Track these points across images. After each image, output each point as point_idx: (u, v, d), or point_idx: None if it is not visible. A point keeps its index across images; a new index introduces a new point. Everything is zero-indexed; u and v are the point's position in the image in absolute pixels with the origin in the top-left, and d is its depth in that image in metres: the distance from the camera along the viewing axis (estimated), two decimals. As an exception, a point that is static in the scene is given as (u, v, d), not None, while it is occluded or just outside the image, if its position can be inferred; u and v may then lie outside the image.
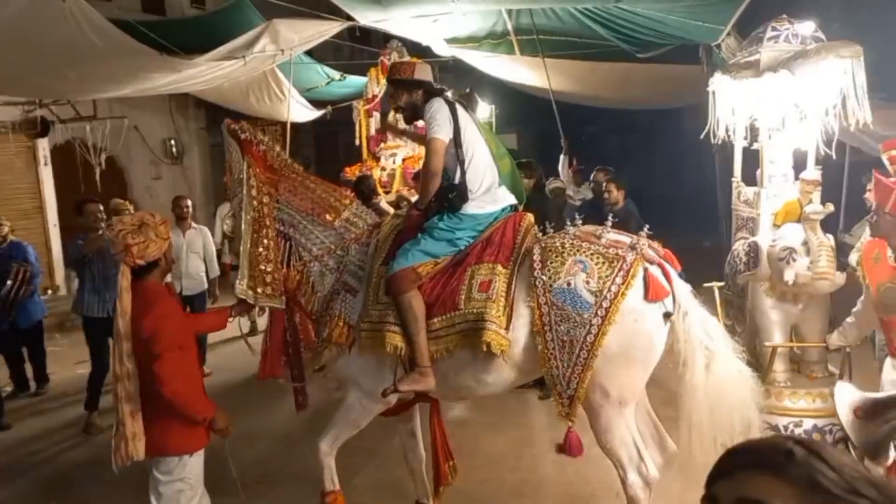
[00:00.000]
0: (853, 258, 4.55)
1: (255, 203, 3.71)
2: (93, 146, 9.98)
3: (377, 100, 8.97)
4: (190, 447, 3.33)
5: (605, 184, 6.44)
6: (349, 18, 8.37)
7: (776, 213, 4.17)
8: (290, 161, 4.03)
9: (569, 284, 3.34)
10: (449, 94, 3.87)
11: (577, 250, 3.42)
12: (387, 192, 8.00)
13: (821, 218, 3.90)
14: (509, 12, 8.84)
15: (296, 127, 10.41)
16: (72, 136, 10.38)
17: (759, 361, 4.24)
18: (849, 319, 4.03)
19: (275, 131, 13.17)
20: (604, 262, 3.35)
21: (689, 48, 8.71)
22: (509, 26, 9.15)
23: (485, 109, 10.56)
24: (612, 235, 3.53)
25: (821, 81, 3.74)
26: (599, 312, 3.27)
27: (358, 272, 3.78)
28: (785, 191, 4.19)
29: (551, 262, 3.41)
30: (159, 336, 3.15)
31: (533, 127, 13.58)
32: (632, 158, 14.14)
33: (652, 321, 3.35)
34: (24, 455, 5.56)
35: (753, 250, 4.20)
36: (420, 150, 9.25)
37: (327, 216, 3.88)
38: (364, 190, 6.55)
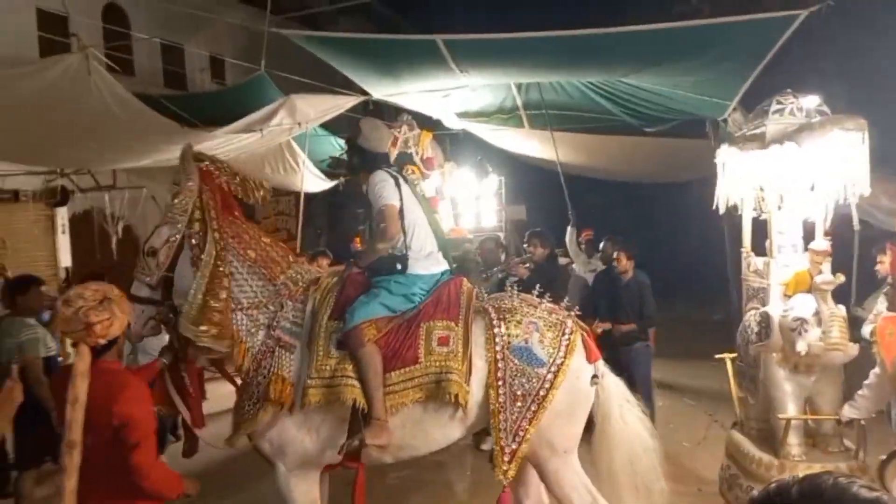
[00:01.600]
0: (866, 330, 4.53)
1: (216, 236, 3.56)
2: (111, 215, 10.16)
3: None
4: None
5: (615, 253, 6.46)
6: (363, 93, 8.64)
7: (786, 283, 4.19)
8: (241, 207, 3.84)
9: (525, 342, 3.59)
10: (391, 169, 3.96)
11: (528, 313, 3.70)
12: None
13: (831, 288, 3.91)
14: (518, 88, 9.08)
15: (309, 197, 10.60)
16: (91, 205, 10.58)
17: (773, 433, 4.18)
18: (861, 392, 4.00)
19: (288, 201, 13.46)
20: (550, 326, 3.67)
21: (696, 122, 8.91)
22: (518, 102, 9.38)
23: (493, 181, 10.74)
24: (547, 304, 3.83)
25: (826, 154, 3.82)
26: (552, 369, 3.55)
27: (293, 329, 3.65)
28: (795, 261, 4.21)
29: (508, 322, 3.65)
30: (135, 423, 2.83)
31: (541, 199, 13.77)
32: (639, 230, 14.25)
33: (588, 380, 3.71)
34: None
35: (765, 321, 4.20)
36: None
37: (272, 269, 3.69)
38: None
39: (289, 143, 9.71)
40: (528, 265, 6.12)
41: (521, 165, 11.89)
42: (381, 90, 8.61)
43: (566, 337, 3.63)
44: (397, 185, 3.78)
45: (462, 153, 11.01)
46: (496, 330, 3.61)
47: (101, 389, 2.78)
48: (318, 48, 7.71)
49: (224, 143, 7.62)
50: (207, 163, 3.68)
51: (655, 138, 9.42)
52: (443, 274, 3.87)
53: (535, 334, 3.61)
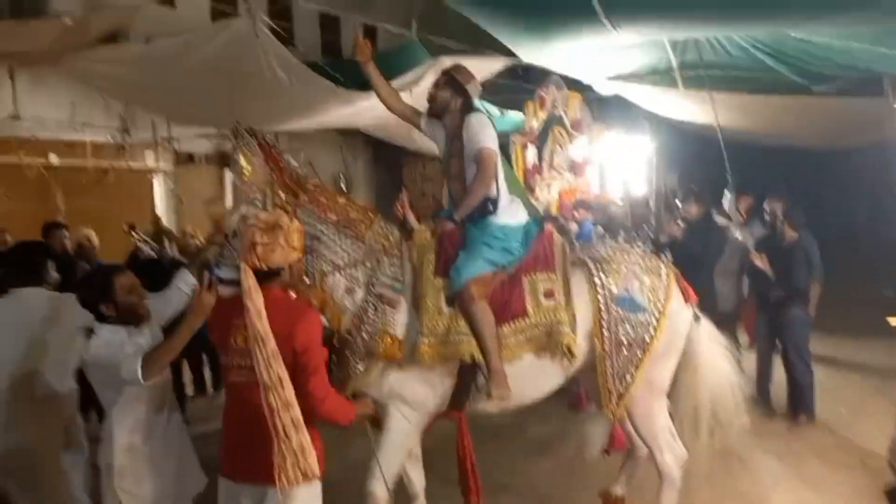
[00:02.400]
0: None
1: (291, 205, 3.47)
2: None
3: (534, 133, 9.08)
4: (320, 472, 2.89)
5: (779, 220, 6.01)
6: (511, 56, 8.58)
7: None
8: (304, 174, 3.67)
9: (627, 291, 3.74)
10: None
11: (626, 261, 3.85)
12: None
13: None
14: (674, 47, 8.65)
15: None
16: (254, 168, 11.27)
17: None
18: None
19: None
20: (648, 272, 3.84)
21: (872, 80, 8.15)
22: (674, 62, 8.91)
23: (645, 147, 10.38)
24: (640, 249, 4.03)
25: None
26: (655, 315, 3.73)
27: (395, 285, 3.62)
28: None
29: (607, 271, 3.79)
30: (315, 349, 2.83)
31: (696, 168, 13.17)
32: (805, 200, 13.29)
33: (685, 321, 3.91)
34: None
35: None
36: (577, 182, 9.29)
37: (357, 228, 3.61)
38: None
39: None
40: (680, 223, 5.88)
41: (675, 132, 11.40)
42: (530, 52, 8.51)
43: (663, 281, 3.81)
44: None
45: (612, 118, 10.70)
46: (597, 280, 3.75)
47: (279, 316, 2.76)
48: (469, 8, 7.72)
49: (377, 105, 7.86)
50: (261, 137, 3.49)
51: (824, 98, 8.71)
52: (529, 223, 3.89)
53: (635, 282, 3.77)
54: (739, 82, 9.07)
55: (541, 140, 9.17)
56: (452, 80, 3.94)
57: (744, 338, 7.05)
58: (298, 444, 2.69)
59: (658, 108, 10.56)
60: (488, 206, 3.72)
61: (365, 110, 7.99)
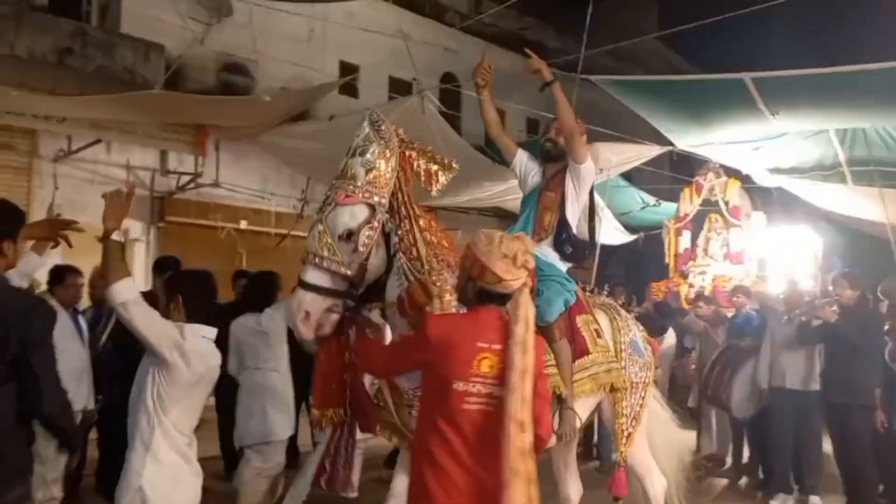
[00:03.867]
0: None
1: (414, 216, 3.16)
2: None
3: (688, 218, 9.04)
4: None
5: None
6: (667, 143, 8.71)
7: None
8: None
9: (632, 333, 4.04)
10: None
11: (620, 310, 4.23)
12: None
13: None
14: (842, 142, 8.38)
15: (609, 250, 10.83)
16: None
17: None
18: None
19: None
20: (635, 322, 4.23)
21: None
22: (841, 157, 8.58)
23: (812, 242, 9.89)
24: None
25: None
26: (648, 358, 4.08)
27: None
28: None
29: (619, 318, 4.07)
30: (542, 373, 2.71)
31: (863, 266, 12.33)
32: None
33: None
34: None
35: None
36: (730, 271, 9.06)
37: (448, 257, 3.17)
38: None
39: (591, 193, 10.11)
40: (834, 308, 5.61)
41: (840, 228, 10.84)
42: (687, 139, 8.59)
43: (642, 331, 4.21)
44: None
45: (775, 211, 10.39)
46: (616, 323, 4.01)
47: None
48: (624, 93, 8.01)
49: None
50: (404, 138, 3.17)
51: None
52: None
53: (635, 328, 4.11)
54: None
55: (695, 226, 9.10)
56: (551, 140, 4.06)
57: None
58: (527, 474, 2.44)
59: (823, 203, 10.14)
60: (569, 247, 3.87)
61: (515, 188, 8.41)
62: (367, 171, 2.93)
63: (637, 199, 10.99)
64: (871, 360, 5.54)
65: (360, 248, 2.90)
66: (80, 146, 8.94)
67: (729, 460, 7.11)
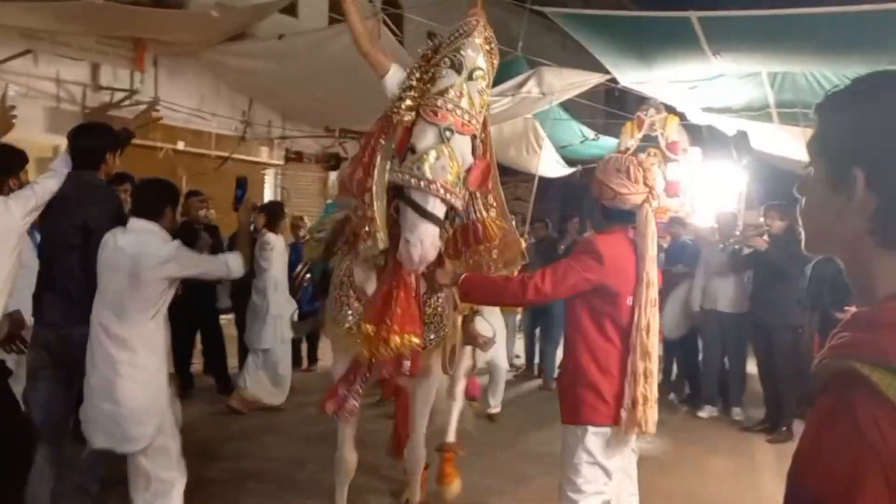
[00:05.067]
0: None
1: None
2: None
3: (629, 153, 9.36)
4: None
5: None
6: (609, 75, 8.91)
7: None
8: None
9: None
10: None
11: None
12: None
13: None
14: (772, 83, 8.78)
15: (545, 182, 11.10)
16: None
17: None
18: None
19: (526, 188, 14.13)
20: None
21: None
22: (770, 99, 9.01)
23: (738, 179, 10.36)
24: None
25: None
26: None
27: None
28: None
29: None
30: None
31: (786, 201, 13.07)
32: None
33: None
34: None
35: None
36: (670, 202, 9.49)
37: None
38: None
39: (533, 125, 10.30)
40: (765, 237, 6.07)
41: (765, 168, 11.43)
42: (630, 75, 8.81)
43: None
44: None
45: (703, 150, 10.83)
46: None
47: None
48: (573, 26, 8.12)
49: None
50: None
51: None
52: None
53: None
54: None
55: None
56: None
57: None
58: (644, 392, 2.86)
59: (750, 141, 10.65)
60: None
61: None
62: (479, 100, 2.77)
63: (577, 132, 11.23)
64: (796, 284, 6.04)
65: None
66: (6, 57, 8.45)
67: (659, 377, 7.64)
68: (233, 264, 3.54)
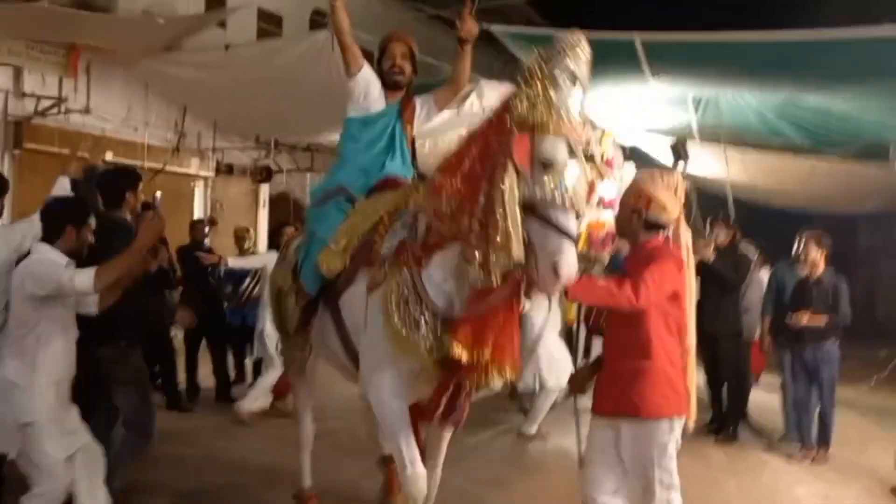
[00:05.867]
0: None
1: None
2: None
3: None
4: None
5: (804, 242, 6.03)
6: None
7: None
8: None
9: None
10: None
11: None
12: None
13: None
14: (696, 106, 9.21)
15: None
16: (286, 187, 11.90)
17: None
18: None
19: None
20: None
21: (879, 147, 8.81)
22: (694, 123, 9.40)
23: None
24: None
25: None
26: None
27: None
28: None
29: None
30: None
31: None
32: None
33: None
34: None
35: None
36: (604, 218, 9.80)
37: None
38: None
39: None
40: (711, 248, 6.31)
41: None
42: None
43: None
44: None
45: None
46: None
47: None
48: (517, 44, 8.35)
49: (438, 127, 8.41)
50: None
51: (834, 163, 9.38)
52: None
53: None
54: (753, 144, 9.75)
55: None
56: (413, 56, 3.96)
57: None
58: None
59: (671, 161, 11.13)
60: None
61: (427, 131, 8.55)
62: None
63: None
64: (738, 293, 6.40)
65: None
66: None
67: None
68: (77, 281, 3.24)
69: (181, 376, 7.12)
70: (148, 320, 6.44)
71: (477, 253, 2.76)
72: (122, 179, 4.32)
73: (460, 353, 2.80)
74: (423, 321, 2.95)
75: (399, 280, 3.02)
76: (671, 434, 3.04)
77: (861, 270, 14.49)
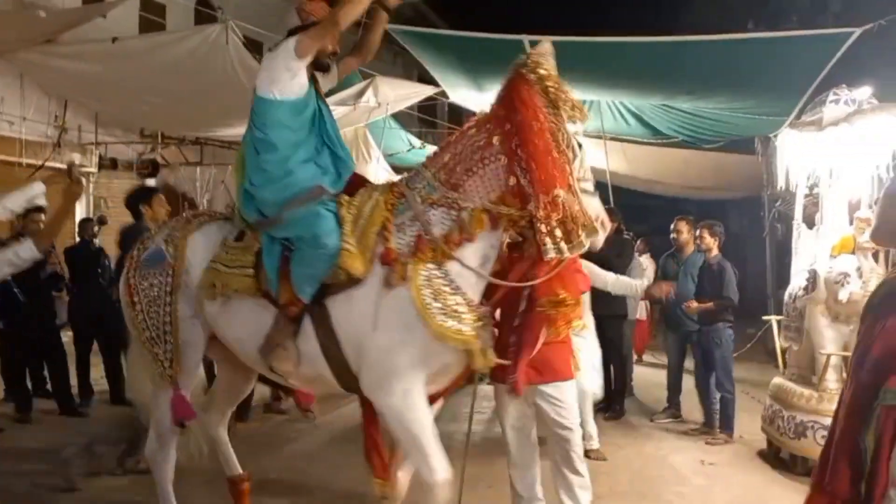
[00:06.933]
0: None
1: None
2: (200, 188, 11.07)
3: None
4: None
5: (698, 230, 6.45)
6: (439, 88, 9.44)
7: (833, 246, 4.94)
8: None
9: None
10: None
11: None
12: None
13: (874, 250, 4.66)
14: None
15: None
16: (174, 181, 11.55)
17: (814, 373, 4.91)
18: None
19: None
20: None
21: (747, 140, 9.69)
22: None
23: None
24: None
25: (875, 135, 4.60)
26: None
27: None
28: (840, 228, 4.98)
29: None
30: None
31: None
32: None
33: None
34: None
35: (812, 277, 4.95)
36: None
37: None
38: None
39: (364, 135, 10.57)
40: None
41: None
42: (460, 92, 9.40)
43: None
44: None
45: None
46: None
47: None
48: (411, 42, 8.54)
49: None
50: None
51: (707, 152, 10.20)
52: None
53: None
54: (631, 141, 10.47)
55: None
56: None
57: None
58: None
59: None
60: None
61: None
62: None
63: (404, 141, 11.65)
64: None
65: None
66: None
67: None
68: (21, 252, 3.52)
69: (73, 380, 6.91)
70: (37, 324, 6.40)
71: (558, 231, 2.99)
72: (136, 196, 5.48)
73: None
74: (463, 310, 2.96)
75: (429, 273, 2.97)
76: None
77: (730, 253, 15.61)
